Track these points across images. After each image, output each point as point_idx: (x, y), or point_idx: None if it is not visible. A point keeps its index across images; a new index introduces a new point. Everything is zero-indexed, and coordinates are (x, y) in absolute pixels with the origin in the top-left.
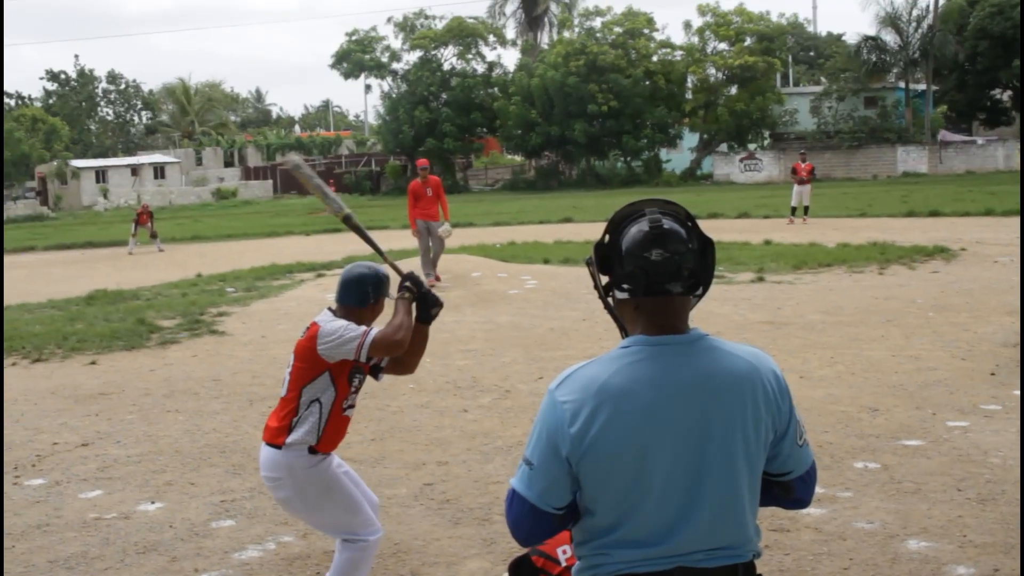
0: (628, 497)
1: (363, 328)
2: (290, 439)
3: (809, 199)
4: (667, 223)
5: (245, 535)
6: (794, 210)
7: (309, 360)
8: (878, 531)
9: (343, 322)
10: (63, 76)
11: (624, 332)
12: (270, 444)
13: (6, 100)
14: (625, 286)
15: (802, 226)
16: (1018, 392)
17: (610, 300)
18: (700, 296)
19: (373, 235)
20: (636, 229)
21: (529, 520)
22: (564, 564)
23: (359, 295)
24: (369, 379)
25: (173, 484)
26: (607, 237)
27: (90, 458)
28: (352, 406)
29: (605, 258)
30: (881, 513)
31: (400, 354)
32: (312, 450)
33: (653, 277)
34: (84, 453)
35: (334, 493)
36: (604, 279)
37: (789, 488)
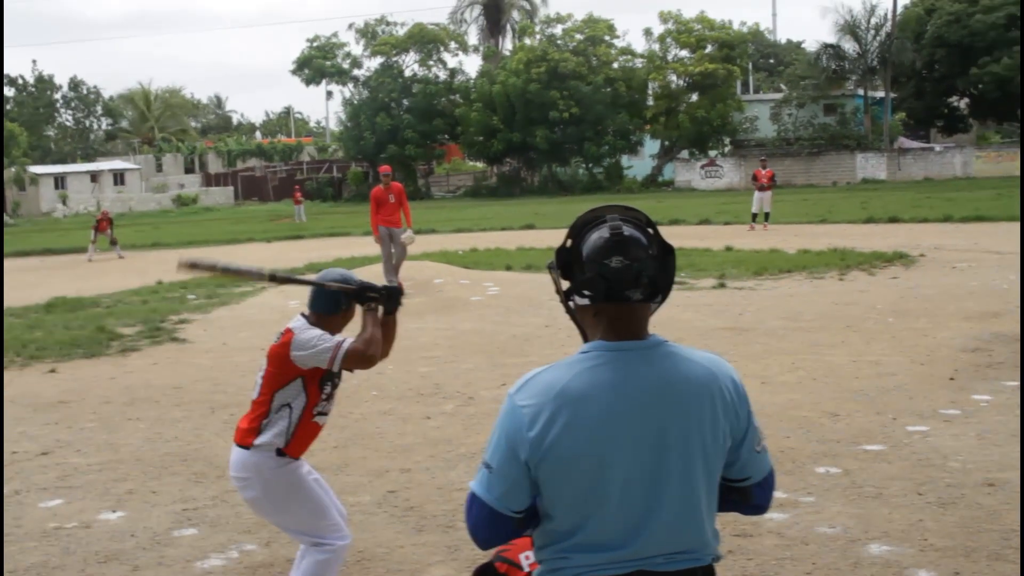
0: (587, 501)
1: (337, 339)
2: (258, 440)
3: (770, 205)
4: (627, 230)
5: (208, 543)
6: (755, 216)
7: (282, 366)
8: (840, 535)
9: (317, 331)
10: (20, 81)
11: (585, 337)
12: (239, 445)
13: None
14: (585, 292)
15: (763, 232)
16: (977, 396)
17: (571, 304)
18: (660, 303)
19: (340, 240)
20: (597, 235)
21: (488, 523)
22: (527, 570)
23: (331, 302)
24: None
25: (134, 493)
26: (568, 242)
27: (50, 467)
28: (324, 413)
29: (566, 263)
30: (843, 518)
31: (372, 365)
32: (280, 452)
33: (613, 284)
34: (44, 462)
35: (301, 495)
36: (565, 284)
37: (747, 494)
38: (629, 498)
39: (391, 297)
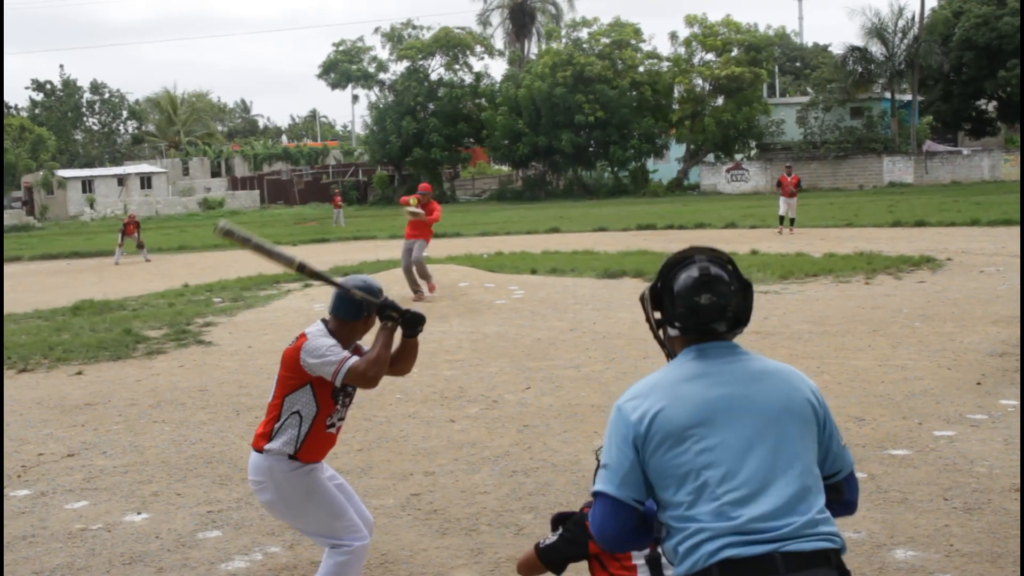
0: (700, 474)
1: (344, 354)
2: (268, 446)
3: (795, 211)
4: (714, 269)
5: (232, 546)
6: (782, 219)
7: (293, 369)
8: (865, 540)
9: (329, 341)
10: (49, 86)
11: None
12: (255, 448)
13: None
14: (677, 324)
15: (789, 236)
16: (1005, 402)
17: (661, 333)
18: (740, 332)
19: (365, 244)
20: (686, 275)
21: (614, 515)
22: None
23: (353, 309)
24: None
25: (159, 495)
26: (659, 281)
27: (76, 469)
28: (338, 421)
29: (658, 299)
30: (868, 523)
31: (374, 386)
32: (292, 457)
33: (702, 318)
34: (70, 464)
35: (316, 497)
36: (657, 315)
37: (840, 489)
38: (740, 467)
39: (410, 322)
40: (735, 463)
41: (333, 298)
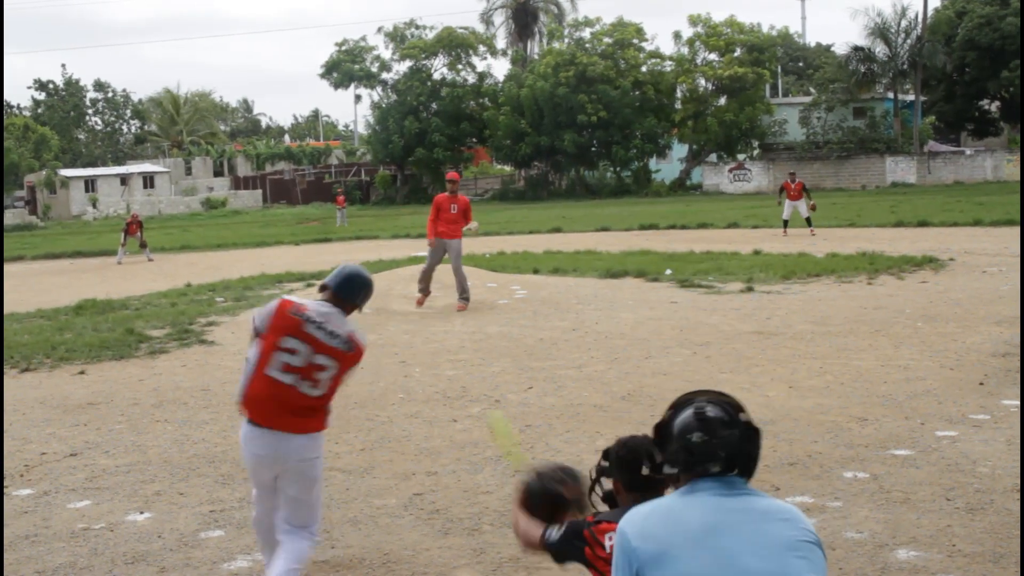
0: None
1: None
2: (324, 428)
3: (806, 211)
4: (711, 411)
5: (234, 545)
6: (786, 223)
7: (349, 372)
8: (867, 541)
9: None
10: (51, 85)
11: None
12: (314, 431)
13: None
14: (671, 462)
15: (810, 237)
16: (1007, 402)
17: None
18: (742, 477)
19: (368, 244)
20: (684, 415)
21: None
22: (608, 550)
23: (364, 297)
24: (359, 390)
25: (162, 494)
26: (666, 416)
27: (78, 468)
28: None
29: (661, 437)
30: (870, 523)
31: None
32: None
33: (695, 456)
34: (72, 463)
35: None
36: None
37: None
38: None
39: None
40: None
41: (350, 282)
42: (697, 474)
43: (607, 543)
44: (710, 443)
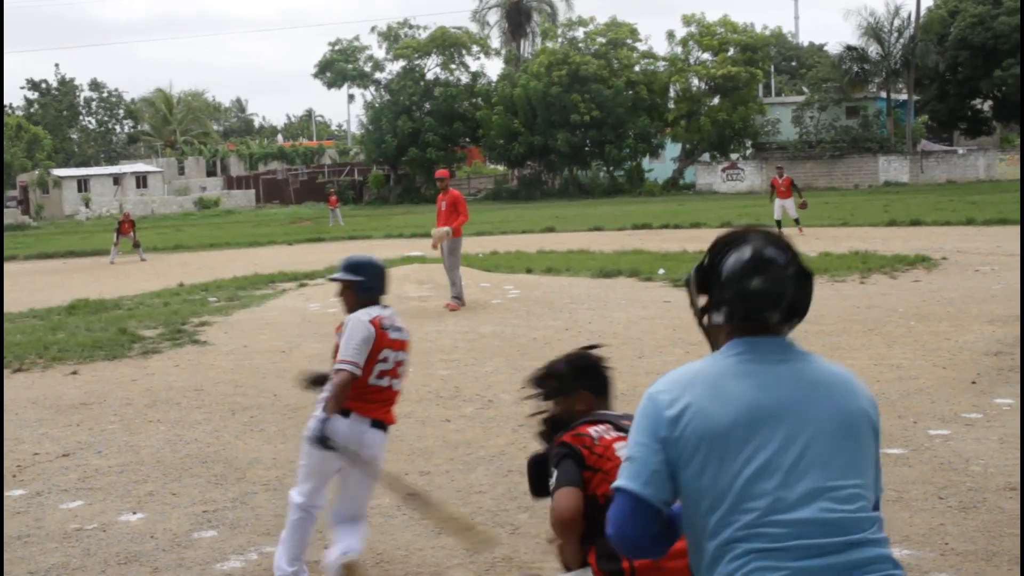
0: (735, 480)
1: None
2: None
3: (795, 211)
4: (769, 251)
5: (227, 545)
6: (779, 223)
7: None
8: None
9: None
10: (44, 85)
11: (712, 349)
12: (390, 423)
13: None
14: (723, 310)
15: (798, 236)
16: (1000, 400)
17: (705, 321)
18: (795, 325)
19: (361, 244)
20: (737, 256)
21: (635, 514)
22: (596, 440)
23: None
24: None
25: (155, 494)
26: (706, 260)
27: (71, 468)
28: None
29: (704, 281)
30: None
31: None
32: None
33: (752, 305)
34: (65, 463)
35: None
36: (702, 299)
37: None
38: (791, 490)
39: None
40: (784, 483)
41: (377, 274)
42: (750, 327)
43: (592, 432)
44: (771, 289)
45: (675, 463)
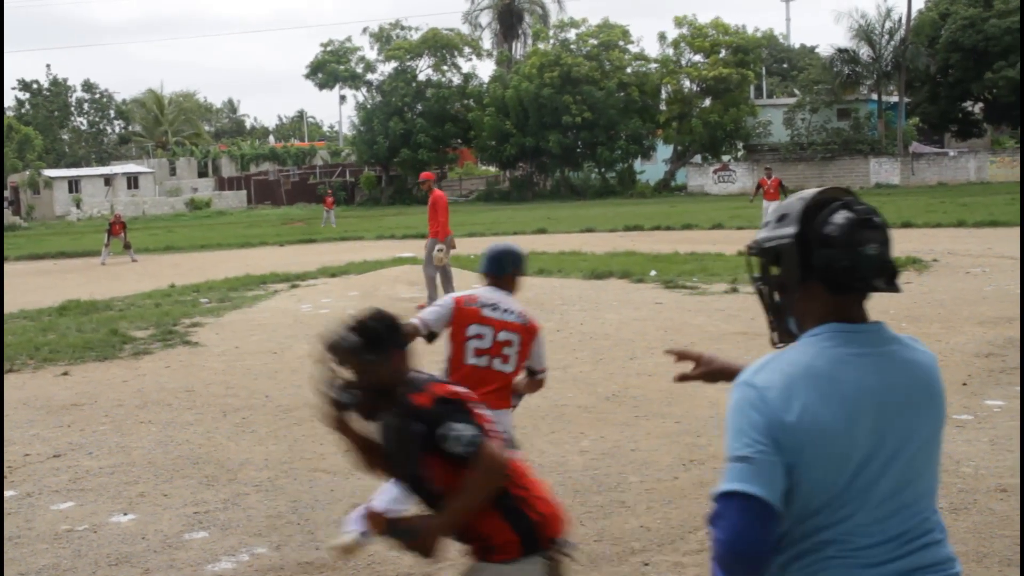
0: (839, 483)
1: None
2: (510, 407)
3: None
4: (867, 210)
5: (218, 547)
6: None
7: (532, 346)
8: None
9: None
10: (35, 85)
11: (780, 329)
12: (503, 409)
13: None
14: (827, 279)
15: None
16: (990, 402)
17: (783, 297)
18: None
19: (352, 245)
20: (843, 220)
21: (760, 523)
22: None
23: (513, 264)
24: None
25: (146, 496)
26: (791, 228)
27: (62, 469)
28: None
29: (797, 250)
30: None
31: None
32: None
33: (863, 272)
34: (56, 464)
35: None
36: (776, 271)
37: None
38: (884, 481)
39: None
40: (889, 487)
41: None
42: (853, 296)
43: (460, 390)
44: (882, 251)
45: (787, 460)
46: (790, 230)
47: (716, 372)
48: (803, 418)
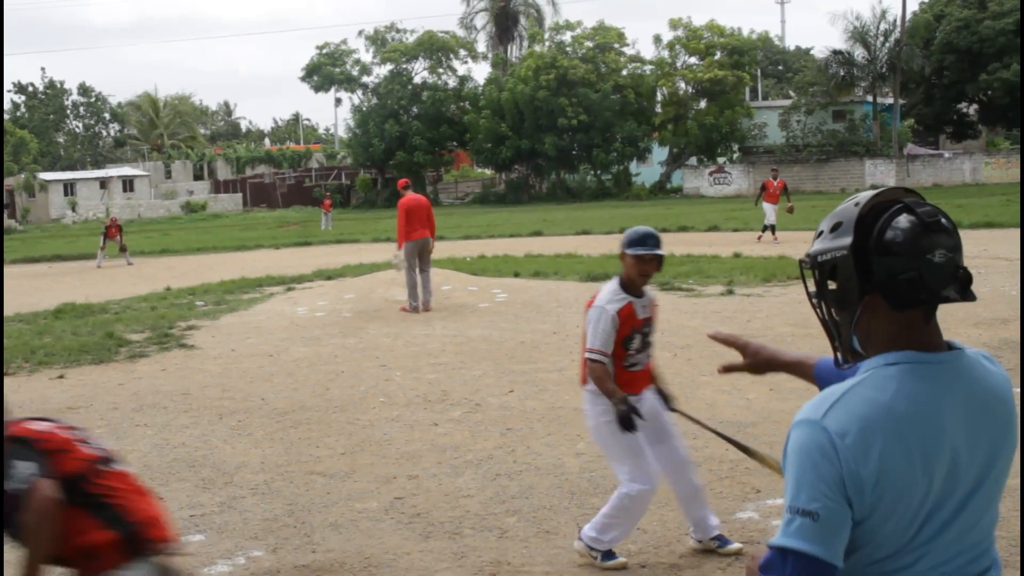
0: (918, 532)
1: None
2: (587, 385)
3: (774, 216)
4: (932, 211)
5: (215, 550)
6: (766, 228)
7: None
8: None
9: (594, 315)
10: (31, 88)
11: (844, 350)
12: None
13: None
14: (889, 293)
15: (771, 242)
16: None
17: (840, 314)
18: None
19: (348, 247)
20: (906, 225)
21: None
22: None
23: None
24: (339, 393)
25: None
26: (848, 239)
27: None
28: (635, 364)
29: (855, 261)
30: None
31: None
32: (595, 394)
33: (932, 283)
34: None
35: (603, 434)
36: (832, 285)
37: None
38: (954, 526)
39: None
40: (962, 526)
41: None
42: (920, 311)
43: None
44: (951, 261)
45: (857, 518)
46: (846, 240)
47: (764, 363)
48: (880, 471)
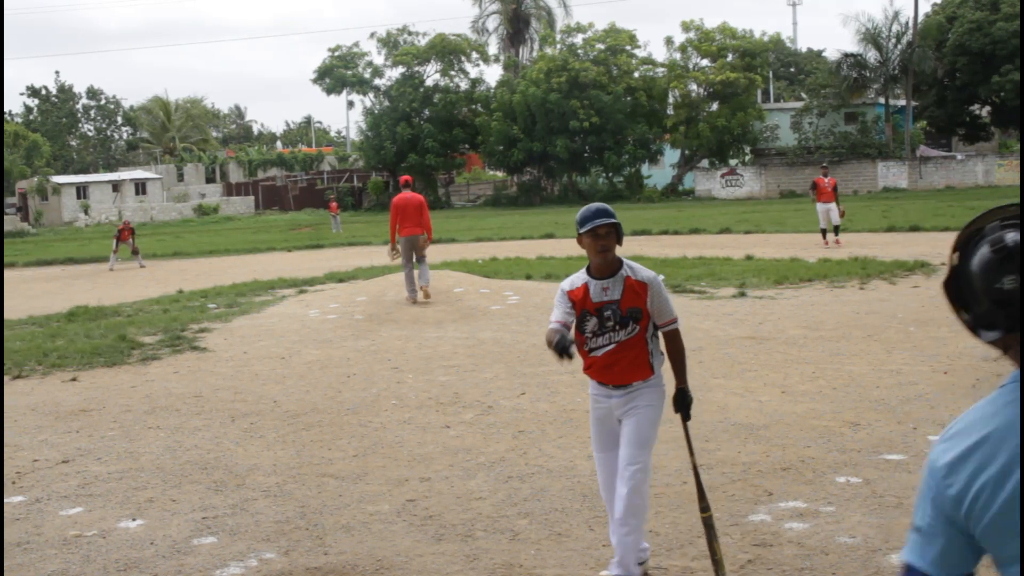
0: (1013, 550)
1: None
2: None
3: (838, 217)
4: (1010, 237)
5: (227, 552)
6: (824, 232)
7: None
8: (860, 545)
9: (558, 294)
10: (44, 92)
11: None
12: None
13: None
14: (987, 325)
15: (836, 247)
16: None
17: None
18: None
19: (360, 250)
20: (981, 253)
21: None
22: None
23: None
24: (351, 396)
25: (154, 501)
26: (954, 262)
27: (71, 475)
28: (594, 348)
29: (958, 290)
30: (863, 527)
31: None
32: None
33: (1011, 310)
34: (65, 470)
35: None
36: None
37: None
38: None
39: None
40: None
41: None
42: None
43: None
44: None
45: (970, 535)
46: (954, 263)
47: None
48: (966, 490)
